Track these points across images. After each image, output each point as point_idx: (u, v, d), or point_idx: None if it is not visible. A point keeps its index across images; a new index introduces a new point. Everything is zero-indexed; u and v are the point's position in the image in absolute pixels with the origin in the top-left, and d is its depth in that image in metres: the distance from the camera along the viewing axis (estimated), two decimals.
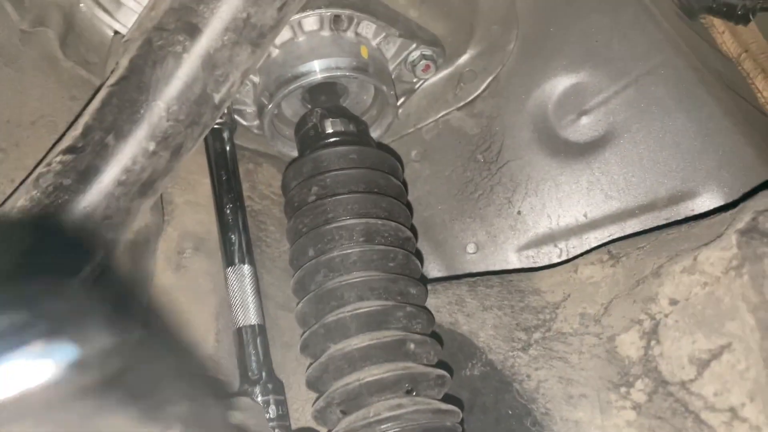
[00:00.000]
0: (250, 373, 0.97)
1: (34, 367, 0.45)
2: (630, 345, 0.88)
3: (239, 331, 0.99)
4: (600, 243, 1.23)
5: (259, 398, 0.95)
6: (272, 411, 0.96)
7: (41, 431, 0.47)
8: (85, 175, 0.81)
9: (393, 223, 1.02)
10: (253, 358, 0.98)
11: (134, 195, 0.85)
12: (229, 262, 1.03)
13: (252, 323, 1.00)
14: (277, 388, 0.97)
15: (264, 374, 0.98)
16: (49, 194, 0.80)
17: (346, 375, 0.89)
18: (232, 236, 1.04)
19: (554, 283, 1.06)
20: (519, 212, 1.30)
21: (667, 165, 1.22)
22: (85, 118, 0.83)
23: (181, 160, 0.88)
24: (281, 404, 0.97)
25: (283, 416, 0.96)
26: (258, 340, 0.99)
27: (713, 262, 0.81)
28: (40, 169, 0.82)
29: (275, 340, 1.11)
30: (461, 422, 0.92)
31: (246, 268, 1.02)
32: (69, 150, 0.82)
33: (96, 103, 0.84)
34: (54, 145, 0.85)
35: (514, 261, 1.30)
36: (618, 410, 0.87)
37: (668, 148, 1.22)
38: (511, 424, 0.99)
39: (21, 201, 0.80)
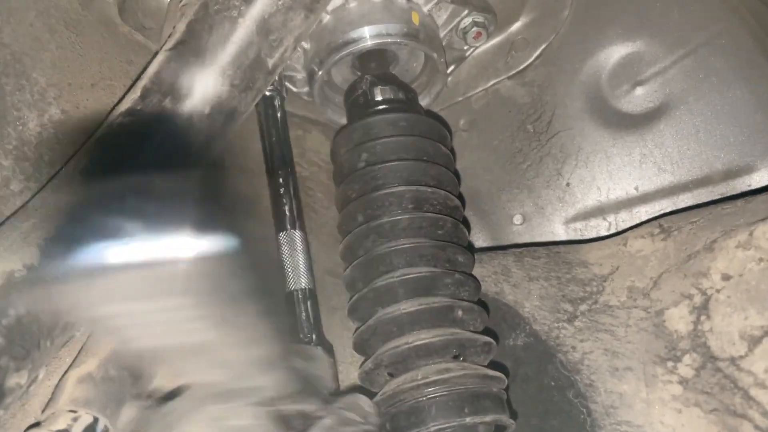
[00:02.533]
0: (301, 335, 0.99)
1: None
2: (679, 319, 0.88)
3: (291, 294, 1.01)
4: (651, 217, 1.21)
5: None
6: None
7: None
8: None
9: (442, 191, 1.02)
10: (304, 320, 1.00)
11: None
12: (280, 227, 1.04)
13: (303, 287, 1.02)
14: (327, 349, 1.00)
15: (314, 336, 1.00)
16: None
17: (395, 338, 0.91)
18: (284, 202, 1.06)
19: (602, 255, 1.05)
20: (568, 184, 1.28)
21: (724, 138, 1.19)
22: (144, 81, 0.86)
23: (235, 125, 0.90)
24: (332, 369, 1.00)
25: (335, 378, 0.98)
26: (309, 303, 1.01)
27: None
28: (101, 129, 0.85)
29: (322, 304, 1.13)
30: (506, 389, 0.93)
31: (297, 234, 1.04)
32: (128, 113, 0.85)
33: (154, 66, 0.86)
34: (114, 107, 0.88)
35: (561, 233, 1.29)
36: (664, 384, 0.87)
37: (726, 120, 1.18)
38: (553, 394, 1.00)
39: (83, 161, 0.83)
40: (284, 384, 0.71)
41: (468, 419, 0.84)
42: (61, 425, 0.71)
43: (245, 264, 0.55)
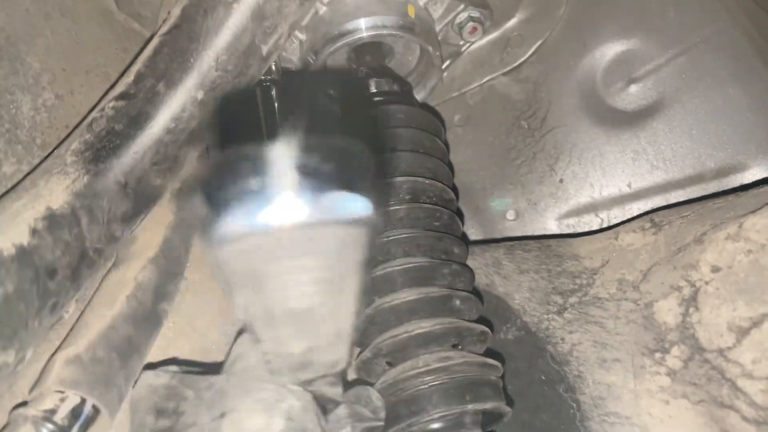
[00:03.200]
0: None
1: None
2: (668, 311, 0.88)
3: None
4: (643, 214, 1.21)
5: None
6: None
7: None
8: (137, 120, 0.83)
9: (438, 183, 1.02)
10: None
11: (182, 143, 0.87)
12: None
13: None
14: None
15: None
16: (101, 138, 0.82)
17: (393, 327, 0.90)
18: None
19: (593, 249, 1.06)
20: (561, 180, 1.29)
21: (717, 137, 1.19)
22: (138, 65, 0.86)
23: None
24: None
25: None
26: None
27: (759, 229, 0.79)
28: (94, 113, 0.85)
29: None
30: (502, 377, 0.93)
31: None
32: (121, 96, 0.85)
33: (148, 51, 0.86)
34: (107, 91, 0.88)
35: (553, 229, 1.30)
36: (652, 375, 0.87)
37: (719, 119, 1.19)
38: (543, 389, 1.00)
39: (75, 144, 0.83)
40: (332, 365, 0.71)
41: (470, 406, 0.84)
42: (48, 405, 0.70)
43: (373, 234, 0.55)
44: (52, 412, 0.70)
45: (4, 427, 0.72)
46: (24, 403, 0.72)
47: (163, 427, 0.70)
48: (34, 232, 0.72)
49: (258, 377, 0.69)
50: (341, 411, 0.76)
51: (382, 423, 0.79)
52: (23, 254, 0.71)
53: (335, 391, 0.79)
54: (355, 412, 0.77)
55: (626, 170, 1.25)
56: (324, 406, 0.76)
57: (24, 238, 0.71)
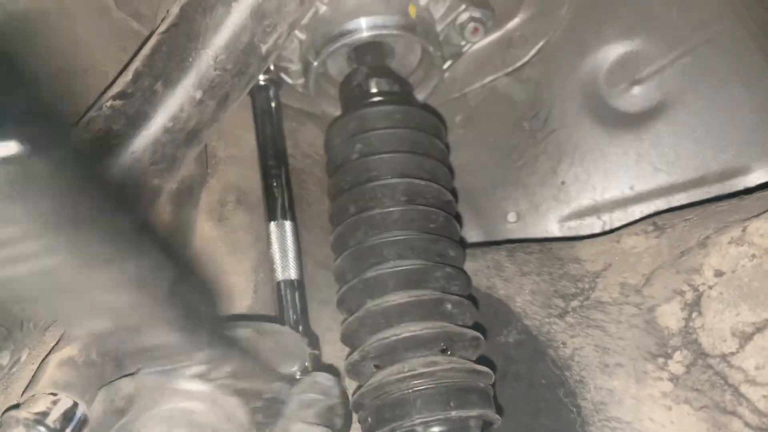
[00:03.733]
0: (286, 325, 0.98)
1: None
2: (670, 316, 0.87)
3: (279, 285, 1.00)
4: (645, 217, 1.20)
5: None
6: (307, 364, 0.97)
7: None
8: (134, 120, 0.83)
9: (435, 185, 1.01)
10: (291, 311, 0.99)
11: (180, 143, 0.86)
12: (271, 216, 1.04)
13: (292, 278, 1.01)
14: (312, 342, 0.98)
15: (301, 328, 0.99)
16: (99, 138, 0.82)
17: (383, 330, 0.90)
18: (276, 192, 1.05)
19: (595, 252, 1.05)
20: (563, 182, 1.28)
21: (720, 139, 1.18)
22: (136, 64, 0.85)
23: (227, 110, 0.89)
24: (316, 358, 0.98)
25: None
26: (297, 295, 1.00)
27: (763, 233, 0.79)
28: (92, 113, 0.84)
29: (312, 296, 1.12)
30: (493, 385, 0.92)
31: (288, 224, 1.03)
32: (119, 95, 0.84)
33: (147, 49, 0.85)
34: (105, 89, 0.87)
35: (555, 231, 1.29)
36: (654, 381, 0.86)
37: (723, 120, 1.18)
38: (544, 393, 0.99)
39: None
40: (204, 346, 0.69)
41: (453, 413, 0.83)
42: (41, 408, 0.69)
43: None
44: (44, 414, 0.69)
45: None
46: (16, 405, 0.72)
47: None
48: None
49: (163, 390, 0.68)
50: (291, 406, 0.75)
51: (335, 400, 0.78)
52: None
53: (276, 387, 0.78)
54: (303, 402, 0.75)
55: (629, 172, 1.24)
56: (271, 406, 0.75)
57: None
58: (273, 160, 1.08)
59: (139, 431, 0.64)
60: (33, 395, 0.70)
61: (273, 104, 1.13)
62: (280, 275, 1.01)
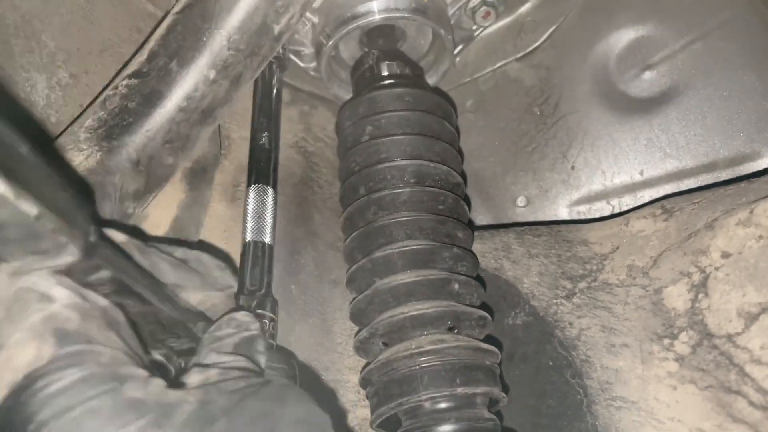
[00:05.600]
0: (248, 283, 0.90)
1: None
2: (677, 297, 0.87)
3: (249, 245, 0.94)
4: (654, 200, 1.21)
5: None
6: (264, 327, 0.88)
7: None
8: (149, 98, 0.84)
9: (444, 167, 1.02)
10: (257, 270, 0.92)
11: (194, 122, 0.88)
12: (254, 179, 0.99)
13: (265, 241, 0.95)
14: (272, 305, 0.91)
15: (264, 289, 0.91)
16: (114, 116, 0.83)
17: (391, 308, 0.91)
18: (261, 155, 1.00)
19: (604, 235, 1.05)
20: (573, 167, 1.28)
21: (731, 125, 1.18)
22: (151, 44, 0.86)
23: (240, 90, 0.90)
24: (273, 322, 0.91)
25: (273, 335, 0.89)
26: (266, 257, 0.94)
27: None
28: (108, 91, 0.85)
29: (322, 277, 1.14)
30: (499, 363, 0.93)
31: (270, 191, 0.98)
32: (134, 74, 0.85)
33: (161, 29, 0.87)
34: (121, 69, 0.88)
35: (564, 216, 1.29)
36: (660, 361, 0.87)
37: (734, 107, 1.18)
38: (550, 374, 1.00)
39: (88, 121, 0.84)
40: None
41: (459, 389, 0.84)
42: None
43: None
44: None
45: None
46: None
47: None
48: None
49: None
50: (204, 342, 0.69)
51: (256, 332, 0.72)
52: None
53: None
54: (217, 336, 0.69)
55: (638, 158, 1.24)
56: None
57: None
58: (265, 130, 1.03)
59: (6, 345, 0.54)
60: None
61: (275, 78, 1.10)
62: (249, 236, 0.94)
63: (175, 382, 0.57)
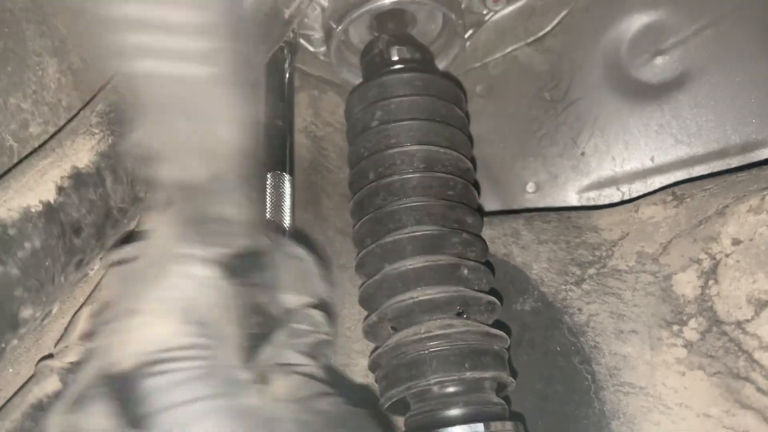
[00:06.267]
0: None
1: None
2: (686, 284, 0.87)
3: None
4: (664, 187, 1.20)
5: None
6: None
7: None
8: None
9: (454, 153, 1.02)
10: None
11: None
12: (271, 167, 1.00)
13: (284, 225, 0.98)
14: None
15: None
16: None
17: (400, 293, 0.91)
18: (278, 143, 1.02)
19: (613, 221, 1.05)
20: (583, 153, 1.28)
21: (743, 111, 1.17)
22: None
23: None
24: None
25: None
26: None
27: None
28: (119, 75, 0.85)
29: (331, 261, 1.14)
30: (508, 349, 0.94)
31: (287, 177, 1.00)
32: None
33: None
34: None
35: (574, 202, 1.29)
36: (668, 347, 0.87)
37: (746, 92, 1.17)
38: (558, 360, 1.00)
39: (100, 106, 0.84)
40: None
41: (468, 374, 0.85)
42: (72, 358, 0.72)
43: None
44: (77, 364, 0.72)
45: (31, 378, 0.74)
46: (50, 356, 0.75)
47: None
48: (60, 189, 0.74)
49: (167, 257, 0.58)
50: (281, 333, 0.71)
51: (325, 336, 0.75)
52: (50, 211, 0.72)
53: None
54: (295, 331, 0.72)
55: (649, 144, 1.23)
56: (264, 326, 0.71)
57: (51, 196, 0.73)
58: (279, 116, 1.05)
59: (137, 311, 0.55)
60: (66, 346, 0.73)
61: (287, 63, 1.11)
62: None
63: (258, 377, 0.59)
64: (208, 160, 0.51)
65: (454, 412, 0.85)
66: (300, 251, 0.78)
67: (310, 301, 0.77)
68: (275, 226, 0.93)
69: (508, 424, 0.85)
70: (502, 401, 0.89)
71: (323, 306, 0.80)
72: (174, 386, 0.49)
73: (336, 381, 0.84)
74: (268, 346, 0.68)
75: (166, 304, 0.53)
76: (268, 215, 0.96)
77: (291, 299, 0.75)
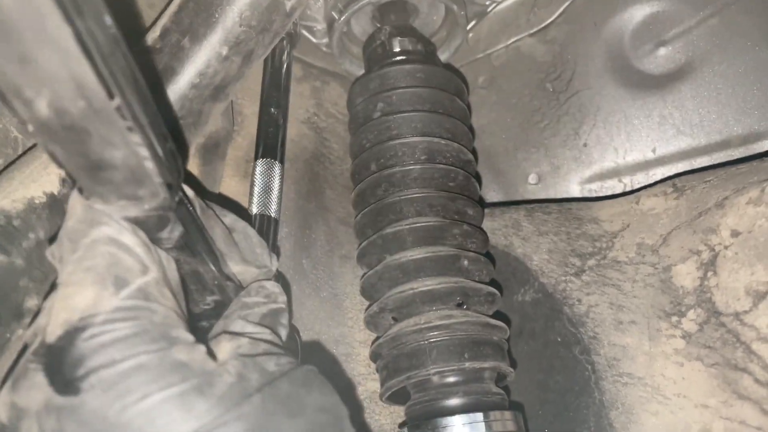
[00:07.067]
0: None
1: None
2: (686, 275, 0.88)
3: (255, 217, 0.97)
4: (666, 179, 1.20)
5: None
6: None
7: None
8: (163, 75, 0.85)
9: (455, 144, 1.03)
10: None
11: (206, 98, 0.88)
12: (262, 153, 1.00)
13: (270, 215, 0.97)
14: (278, 279, 0.88)
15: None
16: None
17: (401, 284, 0.92)
18: (271, 131, 1.02)
19: (614, 213, 1.05)
20: (585, 144, 1.28)
21: (746, 102, 1.17)
22: (164, 20, 0.87)
23: (251, 66, 0.91)
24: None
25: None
26: (272, 230, 0.96)
27: None
28: None
29: (334, 252, 1.15)
30: (507, 340, 0.94)
31: (277, 165, 0.99)
32: (147, 51, 0.86)
33: (174, 6, 0.87)
34: (134, 46, 0.89)
35: (575, 193, 1.29)
36: (667, 338, 0.87)
37: (749, 83, 1.16)
38: (558, 350, 1.01)
39: None
40: None
41: (467, 364, 0.86)
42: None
43: None
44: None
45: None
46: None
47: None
48: (63, 181, 0.75)
49: (82, 223, 0.55)
50: (233, 306, 0.70)
51: (281, 305, 0.72)
52: (54, 202, 0.73)
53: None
54: (246, 303, 0.70)
55: (651, 135, 1.23)
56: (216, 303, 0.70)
57: (54, 187, 0.74)
58: (274, 105, 1.05)
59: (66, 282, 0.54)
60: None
61: (285, 53, 1.10)
62: (255, 209, 0.97)
63: (205, 346, 0.58)
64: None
65: (454, 401, 0.86)
66: (242, 223, 0.76)
67: (259, 271, 0.76)
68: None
69: (507, 414, 0.86)
70: (502, 391, 0.90)
71: (274, 277, 0.78)
72: (103, 347, 0.49)
73: (295, 350, 0.83)
74: (216, 319, 0.67)
75: (88, 272, 0.52)
76: (255, 202, 0.96)
77: (238, 269, 0.74)
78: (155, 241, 0.58)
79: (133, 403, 0.49)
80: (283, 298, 0.73)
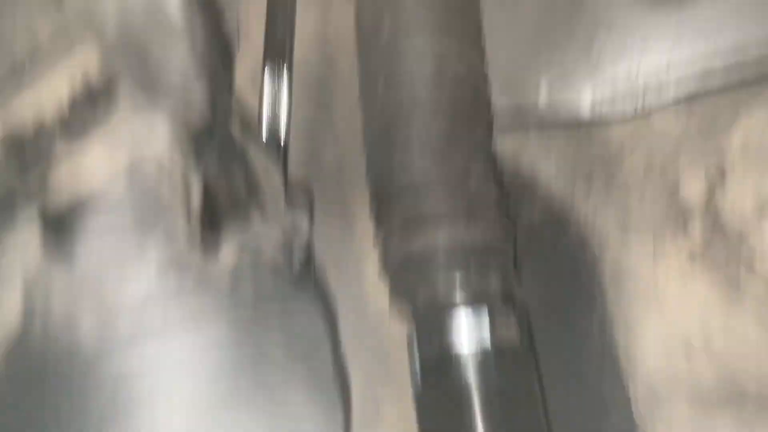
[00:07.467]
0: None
1: None
2: (693, 193, 0.88)
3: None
4: (681, 96, 1.18)
5: None
6: None
7: None
8: None
9: (466, 63, 1.01)
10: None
11: None
12: (269, 55, 0.93)
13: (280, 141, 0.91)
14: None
15: None
16: None
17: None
18: (278, 28, 0.96)
19: (624, 133, 1.05)
20: (597, 59, 1.24)
21: (766, 13, 1.12)
22: None
23: None
24: None
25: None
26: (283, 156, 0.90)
27: None
28: None
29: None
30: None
31: (285, 73, 0.94)
32: None
33: None
34: None
35: (586, 113, 1.27)
36: (672, 255, 0.89)
37: None
38: (563, 269, 1.03)
39: None
40: None
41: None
42: None
43: None
44: None
45: None
46: None
47: None
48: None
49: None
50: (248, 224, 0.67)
51: (303, 239, 0.71)
52: None
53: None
54: (265, 231, 0.68)
55: (666, 50, 1.19)
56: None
57: None
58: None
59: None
60: None
61: None
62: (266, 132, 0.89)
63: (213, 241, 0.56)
64: None
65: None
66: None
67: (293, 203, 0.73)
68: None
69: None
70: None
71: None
72: (101, 230, 0.48)
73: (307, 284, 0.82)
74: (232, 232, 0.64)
75: (111, 148, 0.51)
76: (265, 111, 0.90)
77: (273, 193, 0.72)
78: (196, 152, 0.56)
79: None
80: (307, 235, 0.73)
